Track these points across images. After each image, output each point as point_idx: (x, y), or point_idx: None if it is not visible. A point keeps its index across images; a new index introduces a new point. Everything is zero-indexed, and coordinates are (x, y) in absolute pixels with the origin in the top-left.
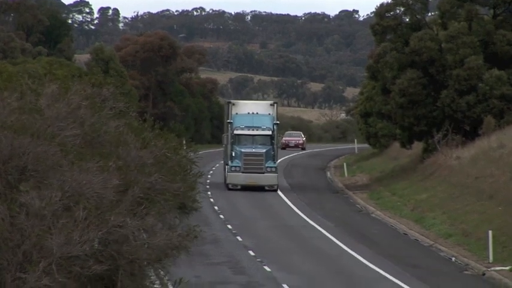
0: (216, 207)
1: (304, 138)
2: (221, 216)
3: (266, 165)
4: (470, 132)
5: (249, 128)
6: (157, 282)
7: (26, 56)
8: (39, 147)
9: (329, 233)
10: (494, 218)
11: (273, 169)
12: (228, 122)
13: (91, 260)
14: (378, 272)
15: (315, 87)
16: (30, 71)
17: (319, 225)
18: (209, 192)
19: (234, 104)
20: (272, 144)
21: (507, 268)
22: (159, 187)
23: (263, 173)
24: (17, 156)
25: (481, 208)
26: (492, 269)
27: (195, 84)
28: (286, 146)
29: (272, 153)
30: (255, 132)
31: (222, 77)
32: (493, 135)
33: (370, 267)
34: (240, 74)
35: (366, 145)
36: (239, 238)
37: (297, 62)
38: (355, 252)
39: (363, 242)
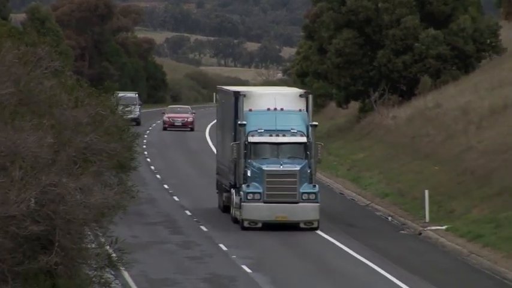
0: (152, 167)
1: (193, 115)
2: (158, 176)
3: (301, 190)
4: (406, 91)
5: (271, 132)
6: (95, 242)
7: None
8: None
9: None
10: (431, 177)
11: (312, 196)
12: (239, 124)
13: (28, 219)
14: (314, 232)
15: (252, 47)
16: None
17: None
18: (146, 152)
19: (245, 96)
20: (307, 157)
21: (443, 228)
22: (95, 147)
23: (297, 202)
24: None
25: (417, 168)
26: (428, 228)
27: (131, 44)
28: (170, 125)
29: (308, 171)
30: (281, 139)
31: (159, 37)
32: (429, 94)
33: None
34: (177, 34)
35: None
36: (176, 198)
37: (233, 21)
38: None
39: None
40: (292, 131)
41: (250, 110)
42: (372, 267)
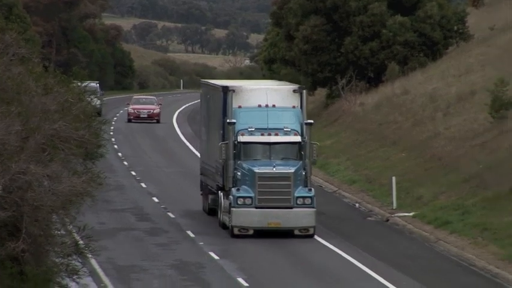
0: (119, 154)
1: (160, 107)
2: (125, 162)
3: (295, 194)
4: (374, 78)
5: (262, 131)
6: (62, 229)
7: None
8: None
9: None
10: (398, 164)
11: (307, 200)
12: (228, 123)
13: None
14: None
15: (219, 33)
16: None
17: None
18: (113, 139)
19: (234, 91)
20: (302, 157)
21: (410, 214)
22: (63, 134)
23: (291, 207)
24: None
25: (385, 154)
26: (396, 215)
27: (98, 30)
28: (135, 117)
29: (303, 173)
30: (274, 138)
31: (126, 23)
32: (396, 81)
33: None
34: (144, 21)
35: None
36: (143, 185)
37: (201, 8)
38: None
39: None
40: (285, 129)
41: (240, 107)
42: (339, 254)
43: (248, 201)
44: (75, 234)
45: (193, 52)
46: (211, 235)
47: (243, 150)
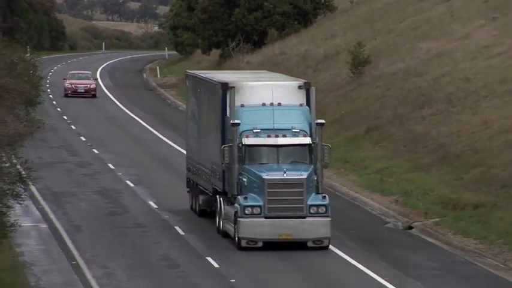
0: (54, 102)
1: (95, 81)
2: (58, 109)
3: (309, 202)
4: (258, 41)
5: (269, 132)
6: (8, 162)
7: None
8: None
9: (145, 122)
10: None
11: (322, 209)
12: (232, 124)
13: None
14: (183, 152)
15: (134, 5)
16: None
17: (137, 116)
18: (49, 90)
19: (234, 88)
20: (312, 161)
21: None
22: (8, 87)
23: (304, 217)
24: None
25: None
26: None
27: (36, 2)
28: (73, 92)
29: (315, 178)
30: (282, 140)
31: None
32: (276, 44)
33: (175, 148)
34: None
35: (175, 52)
36: (73, 127)
37: None
38: (165, 137)
39: (171, 129)
40: (293, 130)
41: (242, 106)
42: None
43: (257, 210)
44: (19, 166)
45: (113, 20)
46: (128, 167)
47: (248, 154)
